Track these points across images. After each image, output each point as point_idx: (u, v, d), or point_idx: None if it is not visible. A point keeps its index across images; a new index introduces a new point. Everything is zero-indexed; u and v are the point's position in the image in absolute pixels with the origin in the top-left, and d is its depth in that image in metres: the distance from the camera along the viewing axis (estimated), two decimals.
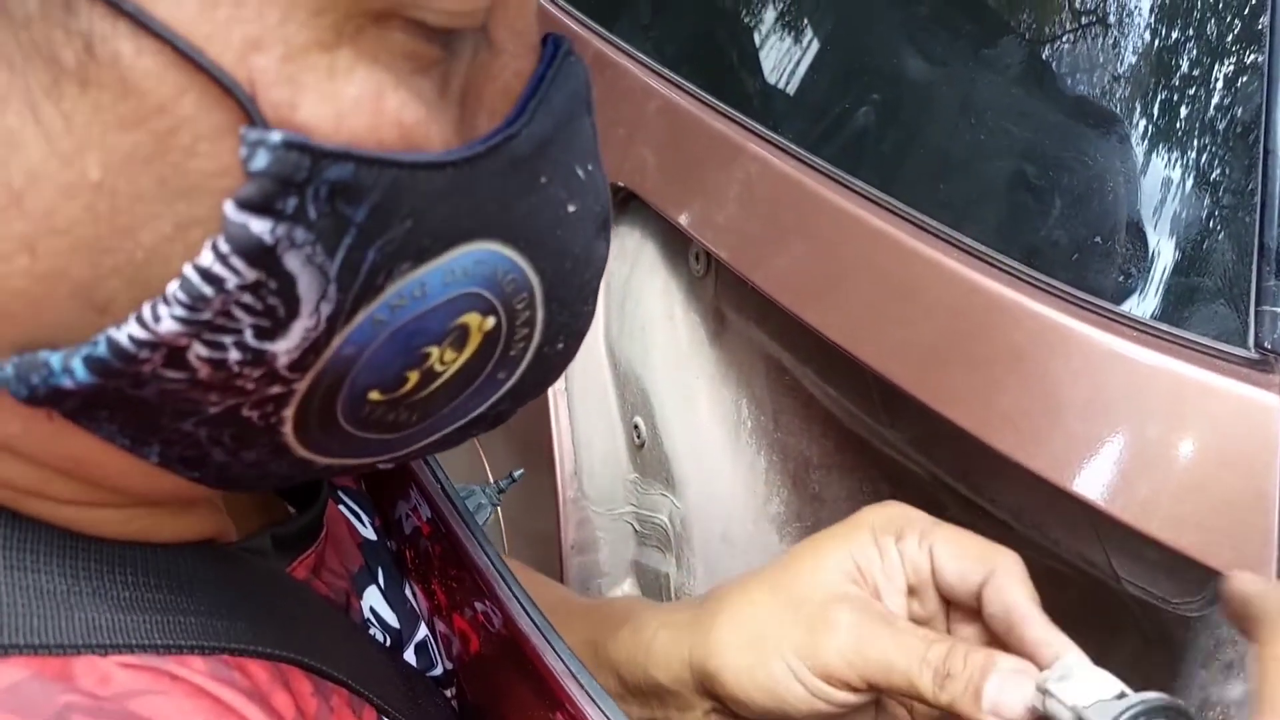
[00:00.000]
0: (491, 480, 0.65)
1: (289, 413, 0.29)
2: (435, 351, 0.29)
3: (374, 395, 0.29)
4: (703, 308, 0.82)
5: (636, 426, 0.85)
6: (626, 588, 0.90)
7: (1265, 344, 0.53)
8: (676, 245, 0.83)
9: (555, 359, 0.34)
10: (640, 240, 0.85)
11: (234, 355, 0.26)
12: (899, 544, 0.47)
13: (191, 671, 0.32)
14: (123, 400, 0.27)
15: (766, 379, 0.78)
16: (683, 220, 0.76)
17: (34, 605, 0.31)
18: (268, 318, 0.26)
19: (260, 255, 0.25)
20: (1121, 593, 0.65)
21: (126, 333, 0.25)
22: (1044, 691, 0.41)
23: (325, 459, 0.32)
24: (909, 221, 0.64)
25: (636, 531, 0.87)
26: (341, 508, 0.54)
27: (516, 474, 0.62)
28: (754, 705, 0.47)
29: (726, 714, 0.50)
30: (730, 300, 0.79)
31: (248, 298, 0.25)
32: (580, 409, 0.87)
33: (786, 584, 0.48)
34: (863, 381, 0.69)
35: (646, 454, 0.85)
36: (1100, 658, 0.65)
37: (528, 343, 0.32)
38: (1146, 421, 0.54)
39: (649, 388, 0.84)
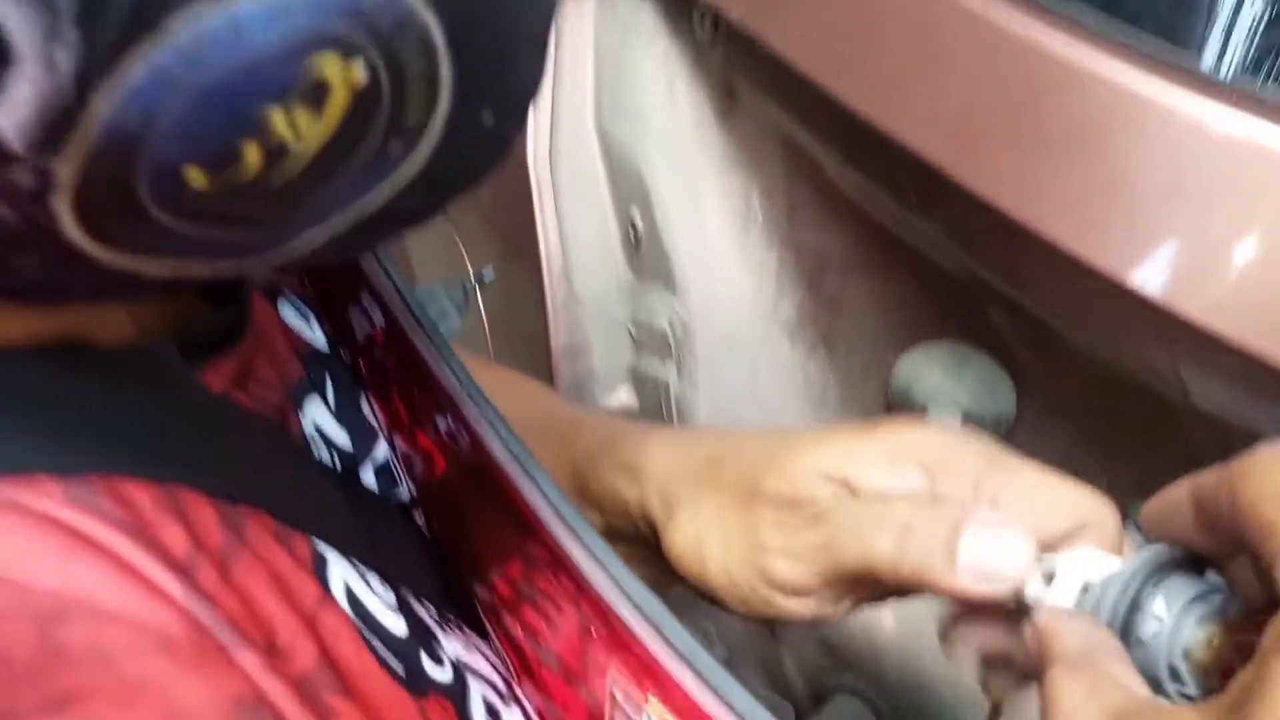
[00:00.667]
0: (471, 275, 0.56)
1: (61, 206, 0.22)
2: (279, 116, 0.22)
3: (195, 176, 0.22)
4: (709, 82, 0.72)
5: (632, 221, 0.76)
6: (623, 396, 0.83)
7: None
8: (679, 8, 0.72)
9: (483, 138, 0.27)
10: (636, 1, 0.74)
11: None
12: (939, 489, 0.37)
13: (38, 496, 0.26)
14: None
15: (782, 165, 0.68)
16: None
17: None
18: None
19: None
20: (1179, 407, 0.57)
21: None
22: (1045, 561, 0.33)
23: (154, 262, 0.25)
24: None
25: (633, 337, 0.80)
26: (285, 308, 0.46)
27: (486, 276, 0.54)
28: (713, 601, 0.40)
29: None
30: (742, 72, 0.68)
31: None
32: (568, 201, 0.78)
33: (751, 475, 0.39)
34: (896, 165, 0.59)
35: (644, 252, 0.76)
36: (1148, 475, 0.58)
37: (431, 107, 0.25)
38: (1240, 210, 0.45)
39: (646, 176, 0.74)
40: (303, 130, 0.22)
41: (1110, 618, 0.30)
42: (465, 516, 0.45)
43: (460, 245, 0.90)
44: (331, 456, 0.42)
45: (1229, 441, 0.55)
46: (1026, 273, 0.57)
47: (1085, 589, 0.32)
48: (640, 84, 0.74)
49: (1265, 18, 0.48)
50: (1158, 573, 0.30)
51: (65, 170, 0.21)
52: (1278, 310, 0.45)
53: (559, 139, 0.77)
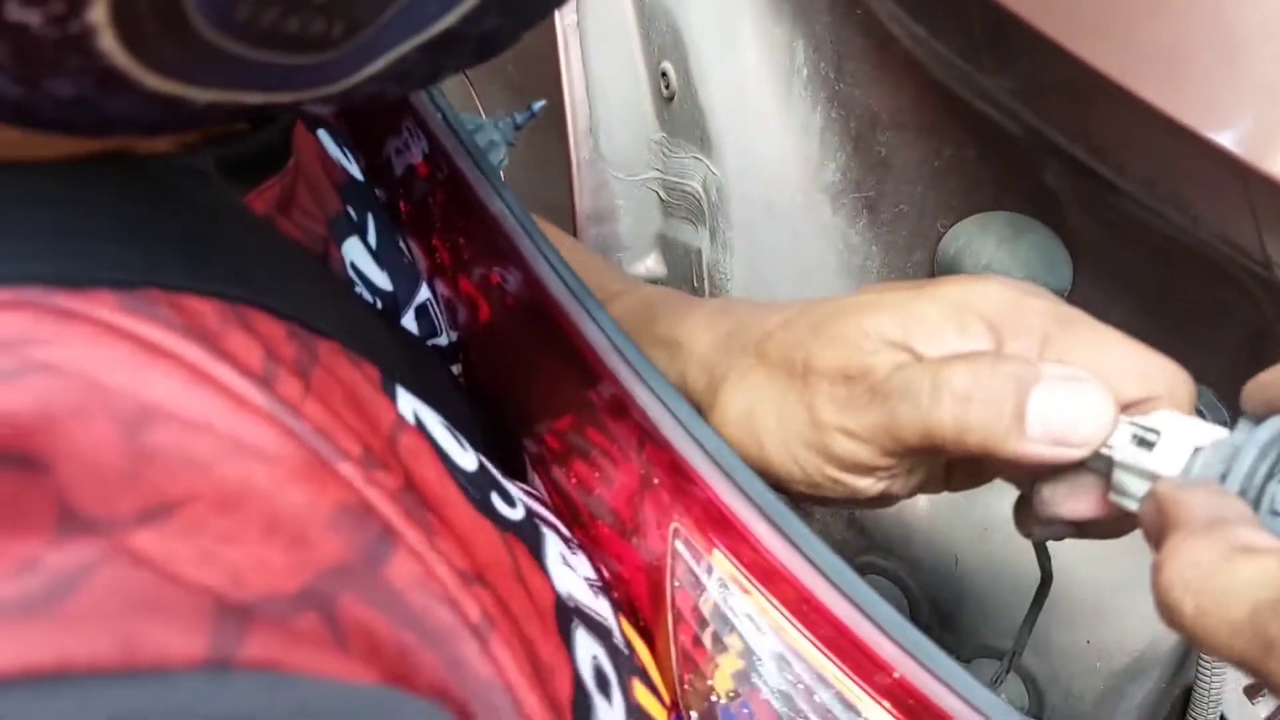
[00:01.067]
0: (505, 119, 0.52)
1: (97, 17, 0.19)
2: None
3: None
4: None
5: (665, 74, 0.70)
6: (650, 263, 0.79)
7: None
8: None
9: None
10: None
11: None
12: (1004, 348, 0.33)
13: (97, 307, 0.23)
14: None
15: (830, 13, 0.63)
16: None
17: None
18: None
19: None
20: (1255, 287, 0.54)
21: None
22: (1139, 429, 0.30)
23: (203, 91, 0.22)
24: None
25: (663, 200, 0.75)
26: (321, 134, 0.42)
27: (536, 106, 0.50)
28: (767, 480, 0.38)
29: None
30: None
31: None
32: (596, 51, 0.72)
33: (801, 348, 0.36)
34: (962, 13, 0.54)
35: (676, 108, 0.71)
36: (1210, 350, 0.54)
37: None
38: None
39: (681, 25, 0.68)
40: None
41: (1244, 486, 0.27)
42: (512, 366, 0.43)
43: (478, 102, 0.85)
44: (372, 298, 0.39)
45: None
46: (1099, 132, 0.52)
47: (1196, 453, 0.29)
48: None
49: None
50: None
51: None
52: None
53: None
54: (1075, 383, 0.30)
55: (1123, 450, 0.30)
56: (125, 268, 0.24)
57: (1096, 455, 0.31)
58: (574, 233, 0.76)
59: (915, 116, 0.62)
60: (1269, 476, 0.27)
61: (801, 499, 0.37)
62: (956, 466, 0.39)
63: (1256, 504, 0.27)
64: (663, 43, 0.70)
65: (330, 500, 0.24)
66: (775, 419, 0.36)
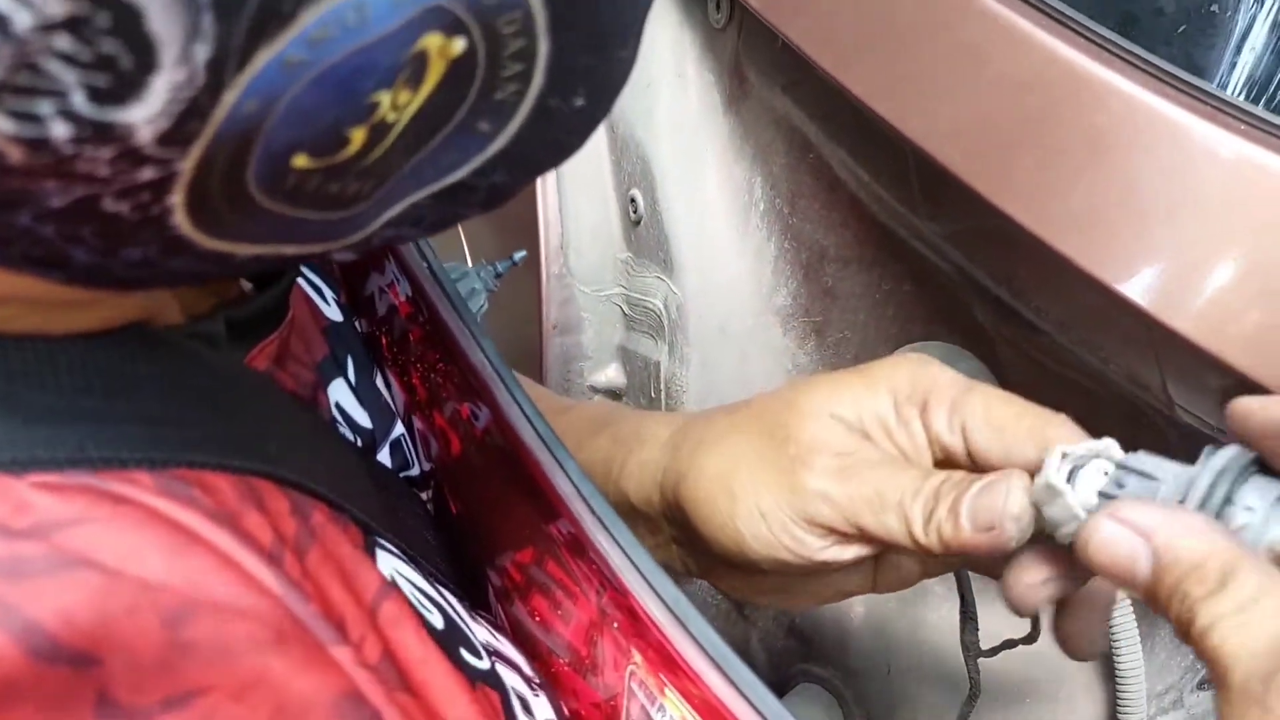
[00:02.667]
0: (470, 257, 0.56)
1: (176, 200, 0.21)
2: (386, 98, 0.22)
3: (300, 161, 0.22)
4: (720, 66, 0.72)
5: (633, 200, 0.76)
6: (611, 373, 0.84)
7: None
8: None
9: (572, 118, 0.26)
10: None
11: (60, 131, 0.18)
12: (924, 416, 0.40)
13: (139, 490, 0.26)
14: None
15: (787, 155, 0.69)
16: None
17: None
18: (106, 72, 0.17)
19: None
20: (1157, 419, 0.59)
21: None
22: (1048, 489, 0.34)
23: (249, 246, 0.24)
24: None
25: (625, 314, 0.80)
26: (302, 283, 0.46)
27: (517, 257, 0.54)
28: (715, 545, 0.41)
29: (689, 548, 0.44)
30: (754, 60, 0.68)
31: (63, 42, 0.17)
32: (570, 176, 0.78)
33: (772, 417, 0.41)
34: (902, 164, 0.60)
35: (643, 231, 0.76)
36: None
37: (523, 86, 0.24)
38: (1240, 229, 0.46)
39: (650, 156, 0.74)
40: (401, 105, 0.22)
41: (1201, 506, 0.29)
42: (479, 498, 0.45)
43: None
44: (353, 435, 0.43)
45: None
46: (1022, 277, 0.58)
47: (1117, 479, 0.32)
48: (650, 63, 0.74)
49: (1270, 48, 0.49)
50: (1244, 470, 0.30)
51: (186, 164, 0.20)
52: (1263, 330, 0.46)
53: None
54: (1004, 477, 0.36)
55: (1065, 493, 0.33)
56: (157, 447, 0.27)
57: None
58: (540, 341, 0.80)
59: (859, 252, 0.67)
60: (1225, 501, 0.29)
61: (752, 567, 0.41)
62: (885, 565, 0.43)
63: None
64: (633, 171, 0.76)
65: (333, 688, 0.26)
66: (749, 477, 0.40)
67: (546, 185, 0.78)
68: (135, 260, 0.23)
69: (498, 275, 0.53)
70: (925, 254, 0.63)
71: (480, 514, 0.45)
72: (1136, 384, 0.55)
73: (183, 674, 0.24)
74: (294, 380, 0.39)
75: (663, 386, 0.76)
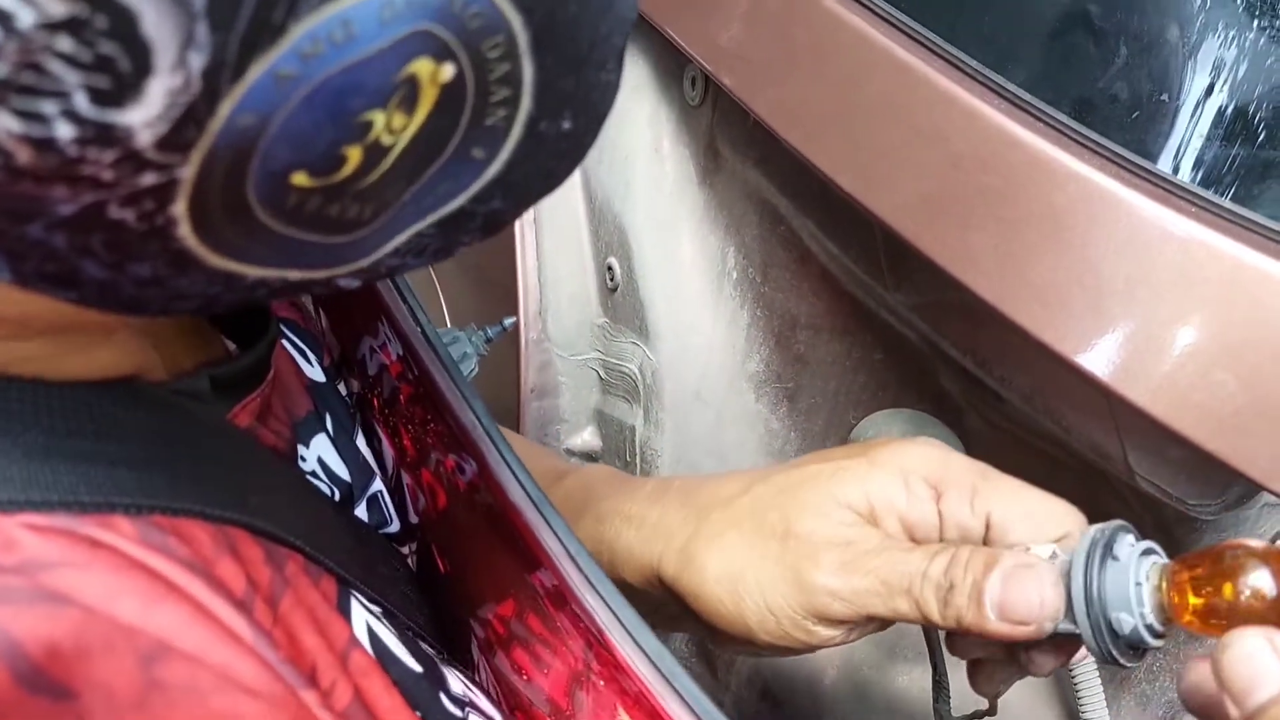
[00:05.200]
0: (450, 320, 0.58)
1: (179, 209, 0.22)
2: (379, 118, 0.22)
3: (299, 179, 0.23)
4: (695, 141, 0.74)
5: (610, 268, 0.78)
6: (587, 436, 0.85)
7: None
8: (671, 66, 0.74)
9: (561, 142, 0.27)
10: (630, 56, 0.76)
11: (65, 131, 0.19)
12: (941, 501, 0.40)
13: (118, 537, 0.27)
14: None
15: (759, 227, 0.70)
16: (680, 38, 0.67)
17: None
18: (105, 74, 0.18)
19: None
20: (1120, 487, 0.60)
21: None
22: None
23: (255, 268, 0.25)
24: (943, 58, 0.56)
25: (602, 379, 0.81)
26: (285, 344, 0.47)
27: (508, 322, 0.55)
28: (723, 632, 0.42)
29: (695, 621, 0.45)
30: (727, 135, 0.71)
31: (64, 43, 0.18)
32: (549, 243, 0.79)
33: (775, 510, 0.41)
34: (869, 238, 0.62)
35: (619, 298, 0.78)
36: None
37: (512, 110, 0.25)
38: (1193, 306, 0.48)
39: (627, 226, 0.76)
40: (396, 129, 0.23)
41: (1091, 544, 0.36)
42: (465, 552, 0.46)
43: (436, 281, 0.91)
44: (331, 490, 0.44)
45: (1165, 523, 0.59)
46: (985, 348, 0.60)
47: (1055, 553, 0.38)
48: (628, 137, 0.76)
49: (1217, 136, 0.52)
50: (1122, 528, 0.38)
51: (187, 171, 0.21)
52: (1219, 404, 0.48)
53: None
54: (1022, 569, 0.37)
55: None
56: (138, 494, 0.28)
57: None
58: (518, 405, 0.81)
59: (829, 320, 0.69)
60: (1107, 546, 0.36)
61: (763, 649, 0.42)
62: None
63: (1103, 560, 0.36)
64: (610, 240, 0.78)
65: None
66: (754, 579, 0.41)
67: (526, 252, 0.79)
68: (145, 277, 0.24)
69: (488, 340, 0.54)
70: (893, 324, 0.65)
71: (465, 566, 0.46)
72: (1098, 453, 0.57)
73: (155, 711, 0.25)
74: (275, 436, 0.40)
75: (638, 451, 0.78)
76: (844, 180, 0.58)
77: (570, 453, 0.85)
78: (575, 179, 0.79)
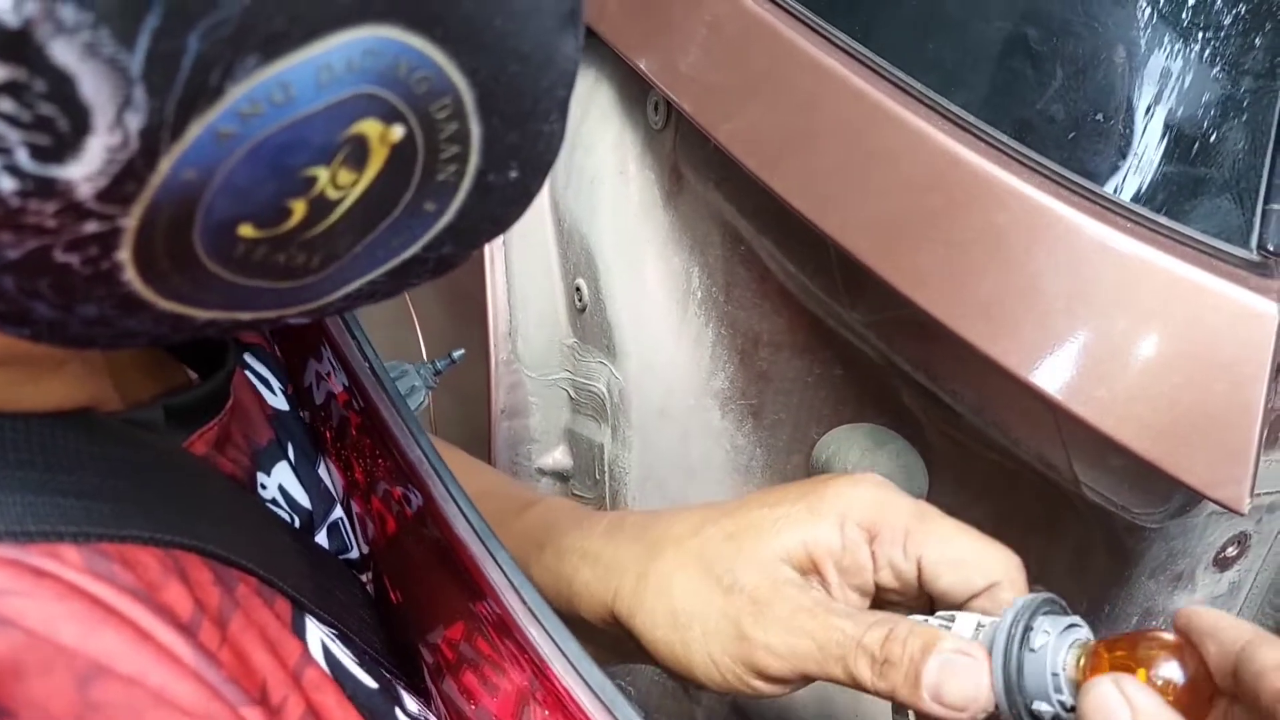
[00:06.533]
0: (424, 348, 0.59)
1: (123, 256, 0.23)
2: (323, 174, 0.23)
3: (246, 231, 0.23)
4: (658, 165, 0.75)
5: (578, 289, 0.79)
6: (558, 455, 0.86)
7: (1269, 245, 0.48)
8: (634, 93, 0.76)
9: (508, 190, 0.28)
10: (594, 83, 0.78)
11: (7, 184, 0.20)
12: (874, 545, 0.41)
13: (62, 565, 0.28)
14: None
15: (721, 248, 0.72)
16: (643, 64, 0.69)
17: None
18: (45, 133, 0.19)
19: (8, 44, 0.18)
20: (1073, 497, 0.62)
21: None
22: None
23: (204, 312, 0.26)
24: (892, 82, 0.58)
25: (571, 398, 0.83)
26: (249, 373, 0.48)
27: (456, 355, 0.56)
28: (671, 673, 0.43)
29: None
30: (689, 159, 0.72)
31: (5, 104, 0.19)
32: (519, 266, 0.81)
33: (719, 558, 0.42)
34: (825, 257, 0.63)
35: (587, 319, 0.79)
36: (1043, 563, 0.61)
37: (462, 165, 0.26)
38: (1131, 321, 0.50)
39: (594, 248, 0.77)
40: (344, 185, 0.24)
41: (1011, 627, 0.37)
42: (414, 578, 0.47)
43: (410, 305, 0.93)
44: (292, 517, 0.45)
45: (1116, 532, 0.60)
46: (937, 364, 0.61)
47: (980, 625, 0.38)
48: (594, 162, 0.77)
49: (1154, 157, 0.53)
50: (1044, 605, 0.38)
51: (129, 221, 0.22)
52: (1157, 415, 0.49)
53: None
54: (959, 655, 0.37)
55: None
56: (84, 522, 0.29)
57: None
58: (489, 425, 0.83)
59: (790, 338, 0.71)
60: (1027, 626, 0.37)
61: (713, 692, 0.43)
62: None
63: (1021, 644, 0.37)
64: (578, 262, 0.79)
65: None
66: (701, 629, 0.42)
67: (495, 275, 0.81)
68: (92, 317, 0.25)
69: (437, 373, 0.55)
70: (852, 340, 0.66)
71: (415, 594, 0.47)
72: (1046, 464, 0.58)
73: None
74: (233, 464, 0.41)
75: (606, 468, 0.79)
76: (798, 202, 0.60)
77: (542, 472, 0.87)
78: (544, 203, 0.81)
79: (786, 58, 0.62)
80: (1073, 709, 0.36)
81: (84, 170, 0.20)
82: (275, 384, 0.49)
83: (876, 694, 0.38)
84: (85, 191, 0.20)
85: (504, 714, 0.41)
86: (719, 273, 0.72)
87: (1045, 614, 0.38)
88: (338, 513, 0.49)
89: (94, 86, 0.19)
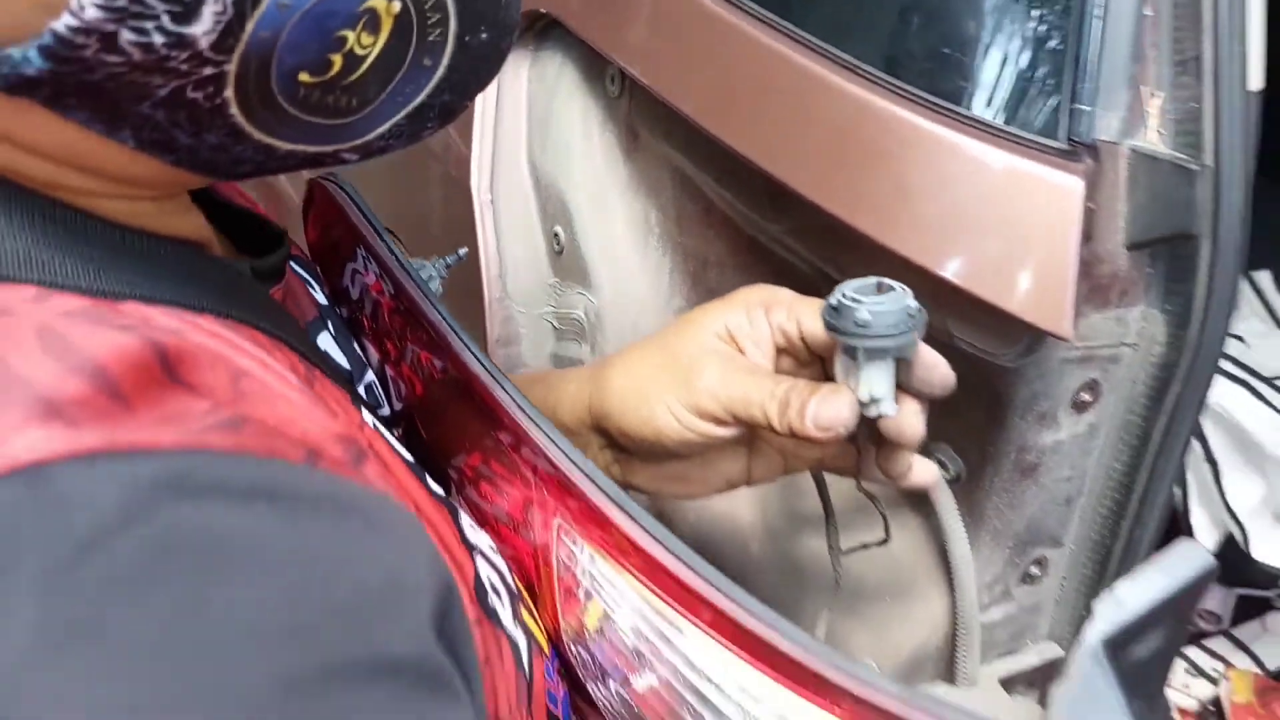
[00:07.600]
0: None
1: (229, 93, 0.31)
2: (350, 35, 0.32)
3: (304, 77, 0.32)
4: (617, 126, 0.89)
5: (556, 235, 0.93)
6: None
7: (1074, 136, 0.64)
8: (594, 70, 0.90)
9: (484, 49, 0.37)
10: (560, 66, 0.93)
11: (158, 39, 0.29)
12: (768, 315, 0.55)
13: (205, 321, 0.36)
14: (83, 87, 0.30)
15: (672, 189, 0.87)
16: (601, 44, 0.84)
17: (80, 264, 0.34)
18: (178, 3, 0.29)
19: None
20: (952, 351, 0.76)
21: (64, 23, 0.28)
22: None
23: (283, 143, 0.35)
24: (798, 41, 0.73)
25: (555, 328, 0.97)
26: (297, 269, 0.59)
27: (462, 252, 0.71)
28: (636, 438, 0.55)
29: (615, 448, 0.58)
30: (642, 118, 0.86)
31: None
32: (505, 219, 0.95)
33: (670, 343, 0.55)
34: (754, 184, 0.79)
35: (565, 259, 0.94)
36: (936, 407, 0.77)
37: (445, 29, 0.35)
38: (979, 203, 0.63)
39: (568, 200, 0.91)
40: (365, 45, 0.33)
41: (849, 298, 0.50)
42: (440, 423, 0.60)
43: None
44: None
45: (988, 379, 0.75)
46: (843, 258, 0.76)
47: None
48: (564, 129, 0.91)
49: (993, 78, 0.69)
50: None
51: (230, 67, 0.30)
52: (1002, 271, 0.64)
53: (498, 171, 0.95)
54: (833, 392, 0.49)
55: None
56: (221, 305, 0.37)
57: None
58: (485, 351, 0.97)
59: (733, 259, 0.86)
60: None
61: (664, 452, 0.55)
62: (757, 458, 0.58)
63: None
64: (555, 212, 0.94)
65: (333, 429, 0.37)
66: (657, 384, 0.53)
67: (486, 227, 0.96)
68: (214, 144, 0.33)
69: (448, 266, 0.70)
70: (780, 254, 0.82)
71: (441, 430, 0.60)
72: (935, 329, 0.73)
73: (237, 405, 0.34)
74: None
75: None
76: (731, 140, 0.74)
77: None
78: (523, 166, 0.96)
79: (715, 29, 0.77)
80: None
81: (202, 28, 0.29)
82: (315, 286, 0.61)
83: (779, 431, 0.50)
84: (204, 44, 0.29)
85: (514, 510, 0.54)
86: (671, 210, 0.88)
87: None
88: (370, 377, 0.60)
89: None
